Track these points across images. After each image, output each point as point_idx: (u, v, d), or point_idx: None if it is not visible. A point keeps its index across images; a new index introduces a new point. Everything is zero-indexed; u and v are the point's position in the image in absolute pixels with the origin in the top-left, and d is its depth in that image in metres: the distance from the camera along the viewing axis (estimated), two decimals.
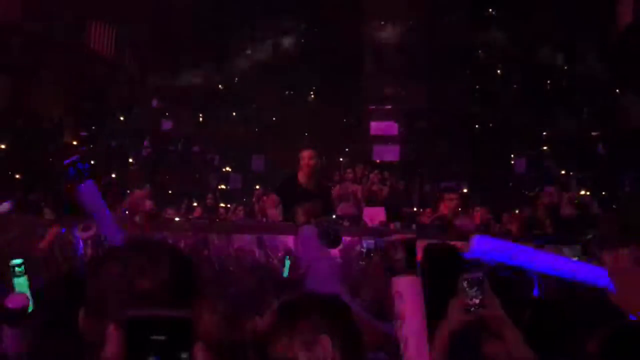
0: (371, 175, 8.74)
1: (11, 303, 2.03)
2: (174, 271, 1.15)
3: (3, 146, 9.83)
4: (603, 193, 9.88)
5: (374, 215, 7.61)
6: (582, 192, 9.53)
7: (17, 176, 9.78)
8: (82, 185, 1.87)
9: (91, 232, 6.46)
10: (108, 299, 1.11)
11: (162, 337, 0.81)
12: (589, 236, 6.19)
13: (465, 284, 1.75)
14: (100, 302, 1.11)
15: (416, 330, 1.48)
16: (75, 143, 10.25)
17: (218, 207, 9.05)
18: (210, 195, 9.21)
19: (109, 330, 0.82)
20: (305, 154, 5.22)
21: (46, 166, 9.89)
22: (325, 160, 10.54)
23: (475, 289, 1.75)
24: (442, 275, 2.59)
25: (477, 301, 1.73)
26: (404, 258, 1.54)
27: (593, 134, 10.82)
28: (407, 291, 1.51)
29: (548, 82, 11.20)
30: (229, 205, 9.27)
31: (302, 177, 5.25)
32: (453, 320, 1.75)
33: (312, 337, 1.64)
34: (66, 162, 1.88)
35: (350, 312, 1.79)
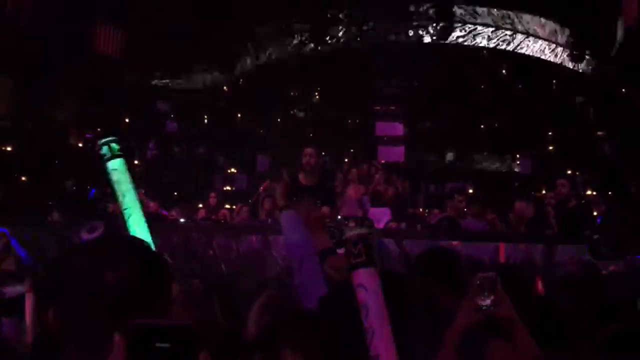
0: (376, 176, 8.73)
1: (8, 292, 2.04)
2: (142, 266, 1.14)
3: (9, 148, 9.86)
4: (609, 193, 9.84)
5: (379, 215, 7.59)
6: (588, 192, 9.50)
7: (23, 178, 9.82)
8: (112, 162, 1.93)
9: (96, 234, 6.47)
10: (77, 293, 1.10)
11: (166, 345, 0.81)
12: (596, 236, 6.16)
13: (477, 283, 1.75)
14: (69, 297, 1.11)
15: (380, 318, 1.55)
16: (80, 145, 10.28)
17: (221, 207, 9.05)
18: (213, 194, 9.21)
19: (114, 338, 0.82)
20: (307, 151, 5.26)
21: (52, 168, 9.92)
22: (329, 160, 10.55)
23: (487, 288, 1.74)
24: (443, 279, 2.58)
25: (488, 301, 1.73)
26: (363, 252, 1.58)
27: (599, 133, 10.78)
28: (368, 282, 1.56)
29: (553, 81, 11.16)
30: (234, 207, 9.27)
31: (302, 175, 5.28)
32: (464, 319, 1.76)
33: (277, 357, 1.65)
34: (101, 141, 1.95)
35: (321, 326, 1.79)
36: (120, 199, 1.94)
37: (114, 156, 1.96)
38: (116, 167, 1.96)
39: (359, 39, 10.35)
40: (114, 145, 1.97)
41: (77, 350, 1.12)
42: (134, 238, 1.51)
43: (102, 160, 1.96)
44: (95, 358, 1.08)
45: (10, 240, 4.02)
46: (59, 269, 1.19)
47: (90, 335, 1.12)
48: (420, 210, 9.18)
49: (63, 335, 1.15)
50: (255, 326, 2.02)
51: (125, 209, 1.93)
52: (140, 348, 0.81)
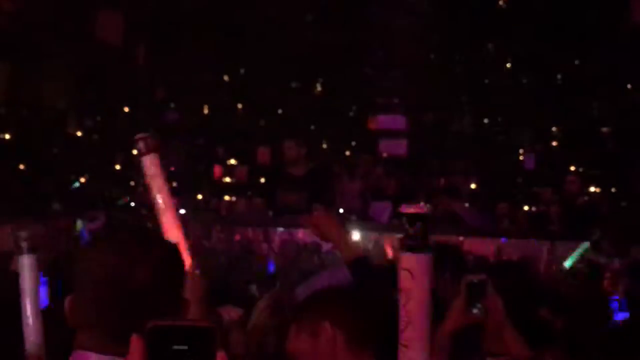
0: (377, 170, 8.67)
1: None
2: (166, 260, 1.17)
3: (7, 136, 9.79)
4: (613, 190, 9.80)
5: (381, 210, 7.54)
6: (592, 189, 9.45)
7: (21, 167, 9.75)
8: (147, 157, 1.95)
9: (98, 223, 6.45)
10: (98, 287, 1.13)
11: (184, 347, 0.81)
12: (598, 234, 6.12)
13: (467, 285, 1.75)
14: (89, 290, 1.13)
15: (421, 308, 1.44)
16: (79, 134, 10.21)
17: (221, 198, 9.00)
18: (209, 187, 9.20)
19: (132, 340, 0.83)
20: (285, 144, 5.38)
21: (51, 157, 9.87)
22: (330, 152, 10.50)
23: (477, 290, 1.74)
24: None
25: (478, 304, 1.73)
26: (418, 234, 1.45)
27: (603, 130, 10.72)
28: (416, 269, 1.45)
29: (558, 77, 11.09)
30: (233, 198, 9.23)
31: (289, 167, 5.39)
32: (453, 321, 1.76)
33: (314, 325, 1.65)
34: (138, 136, 1.98)
35: (355, 298, 1.78)
36: (155, 194, 1.95)
37: (149, 151, 1.97)
38: (151, 162, 1.97)
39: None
40: (150, 140, 1.99)
41: (92, 342, 1.13)
42: (158, 233, 1.57)
43: (138, 154, 1.98)
44: (110, 353, 1.11)
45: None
46: (84, 260, 1.18)
47: (107, 330, 1.13)
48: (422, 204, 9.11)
49: (77, 327, 1.15)
50: (264, 325, 1.99)
51: (158, 206, 1.93)
52: (158, 350, 0.80)
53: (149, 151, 1.96)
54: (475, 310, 1.72)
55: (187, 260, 1.71)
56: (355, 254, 2.20)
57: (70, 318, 1.16)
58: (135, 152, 2.02)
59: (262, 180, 9.18)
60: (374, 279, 2.06)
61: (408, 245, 1.45)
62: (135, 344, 0.82)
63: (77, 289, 1.14)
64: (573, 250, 6.02)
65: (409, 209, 1.47)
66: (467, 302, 1.73)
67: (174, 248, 1.22)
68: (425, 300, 1.45)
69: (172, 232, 1.86)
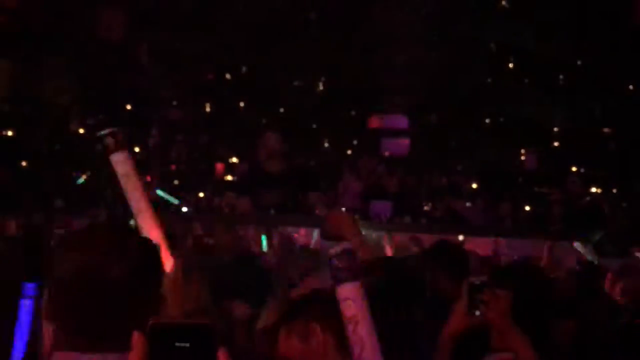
0: (379, 169, 8.68)
1: None
2: (142, 257, 1.13)
3: (10, 133, 9.80)
4: (614, 191, 9.79)
5: (381, 209, 7.55)
6: (594, 190, 9.44)
7: (24, 163, 9.77)
8: (116, 154, 1.79)
9: (99, 220, 6.44)
10: (73, 285, 1.08)
11: (186, 344, 0.82)
12: (600, 234, 6.13)
13: (468, 288, 1.74)
14: (64, 288, 1.09)
15: (369, 329, 1.57)
16: (82, 131, 10.21)
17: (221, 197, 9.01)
18: (211, 186, 9.20)
19: (133, 337, 0.82)
20: (266, 135, 5.24)
21: (54, 154, 9.87)
22: (331, 152, 10.48)
23: (478, 293, 1.73)
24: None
25: (480, 305, 1.73)
26: (348, 266, 1.58)
27: (605, 130, 10.71)
28: (355, 296, 1.58)
29: (560, 76, 11.08)
30: (234, 196, 9.23)
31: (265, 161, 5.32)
32: (455, 324, 1.76)
33: (305, 329, 1.66)
34: (104, 131, 1.80)
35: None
36: (128, 194, 1.80)
37: (118, 148, 1.80)
38: (121, 159, 1.81)
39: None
40: (117, 136, 1.81)
41: (68, 338, 1.10)
42: (135, 230, 1.50)
43: (105, 153, 1.82)
44: (91, 351, 1.08)
45: None
46: (60, 257, 1.15)
47: (86, 329, 1.10)
48: (424, 203, 9.13)
49: (55, 323, 1.12)
50: (275, 325, 1.98)
51: (134, 206, 1.79)
52: (159, 347, 0.81)
53: (118, 147, 1.78)
54: (477, 313, 1.72)
55: (167, 258, 1.65)
56: (369, 255, 2.20)
57: (46, 314, 1.13)
58: (103, 148, 1.83)
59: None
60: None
61: (342, 278, 1.57)
62: (138, 341, 0.82)
63: (52, 286, 1.10)
64: (574, 250, 6.03)
65: (335, 249, 1.59)
66: (468, 304, 1.74)
67: (151, 245, 1.18)
68: (370, 322, 1.57)
69: (152, 232, 1.72)
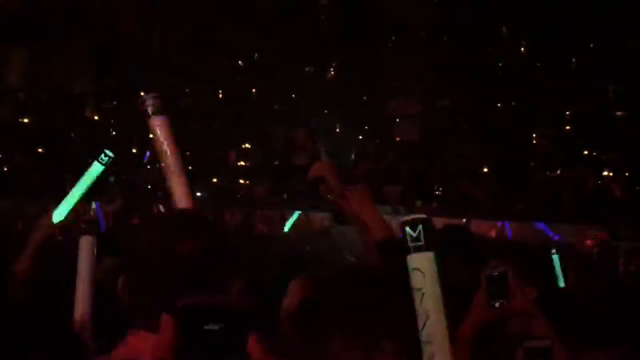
0: (390, 154, 8.69)
1: None
2: (213, 237, 1.20)
3: (25, 120, 9.90)
4: (627, 174, 9.74)
5: (392, 193, 7.58)
6: (606, 173, 9.41)
7: (40, 150, 9.87)
8: (156, 118, 1.82)
9: (115, 206, 6.54)
10: (149, 265, 1.15)
11: (217, 327, 0.78)
12: (614, 218, 6.13)
13: (487, 280, 1.72)
14: (141, 268, 1.15)
15: (437, 303, 1.55)
16: (96, 118, 10.29)
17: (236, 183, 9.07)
18: (224, 171, 9.25)
19: (162, 319, 0.80)
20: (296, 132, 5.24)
21: (67, 141, 9.96)
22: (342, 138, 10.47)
23: (497, 285, 1.72)
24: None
25: (500, 297, 1.73)
26: (422, 236, 1.56)
27: (618, 113, 10.62)
28: (426, 267, 1.56)
29: (573, 60, 10.98)
30: (247, 182, 9.29)
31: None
32: (475, 319, 1.78)
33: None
34: (145, 96, 1.83)
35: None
36: (164, 158, 1.84)
37: (158, 112, 1.85)
38: (160, 124, 1.81)
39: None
40: (158, 100, 1.80)
41: (144, 320, 1.14)
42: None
43: (145, 115, 1.86)
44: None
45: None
46: (135, 239, 1.22)
47: (158, 308, 1.13)
48: (435, 187, 9.14)
49: (131, 306, 1.17)
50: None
51: (170, 170, 1.83)
52: (189, 329, 0.77)
53: (157, 112, 1.79)
54: (497, 305, 1.71)
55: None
56: (386, 234, 2.18)
57: (123, 298, 1.17)
58: (142, 111, 1.81)
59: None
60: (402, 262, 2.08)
61: (414, 247, 1.56)
62: (166, 323, 0.79)
63: (129, 268, 1.17)
64: (585, 233, 6.04)
65: (408, 217, 1.59)
66: (488, 297, 1.73)
67: (218, 228, 1.25)
68: (439, 294, 1.55)
69: (182, 197, 1.75)
